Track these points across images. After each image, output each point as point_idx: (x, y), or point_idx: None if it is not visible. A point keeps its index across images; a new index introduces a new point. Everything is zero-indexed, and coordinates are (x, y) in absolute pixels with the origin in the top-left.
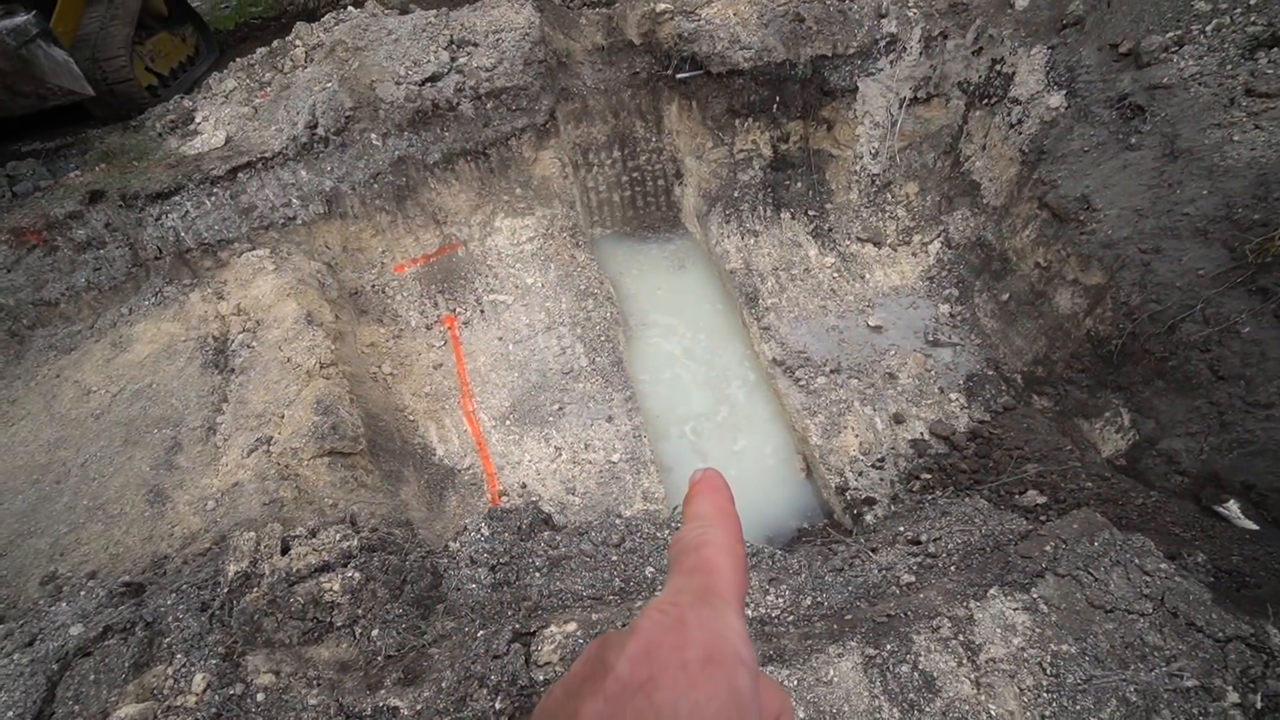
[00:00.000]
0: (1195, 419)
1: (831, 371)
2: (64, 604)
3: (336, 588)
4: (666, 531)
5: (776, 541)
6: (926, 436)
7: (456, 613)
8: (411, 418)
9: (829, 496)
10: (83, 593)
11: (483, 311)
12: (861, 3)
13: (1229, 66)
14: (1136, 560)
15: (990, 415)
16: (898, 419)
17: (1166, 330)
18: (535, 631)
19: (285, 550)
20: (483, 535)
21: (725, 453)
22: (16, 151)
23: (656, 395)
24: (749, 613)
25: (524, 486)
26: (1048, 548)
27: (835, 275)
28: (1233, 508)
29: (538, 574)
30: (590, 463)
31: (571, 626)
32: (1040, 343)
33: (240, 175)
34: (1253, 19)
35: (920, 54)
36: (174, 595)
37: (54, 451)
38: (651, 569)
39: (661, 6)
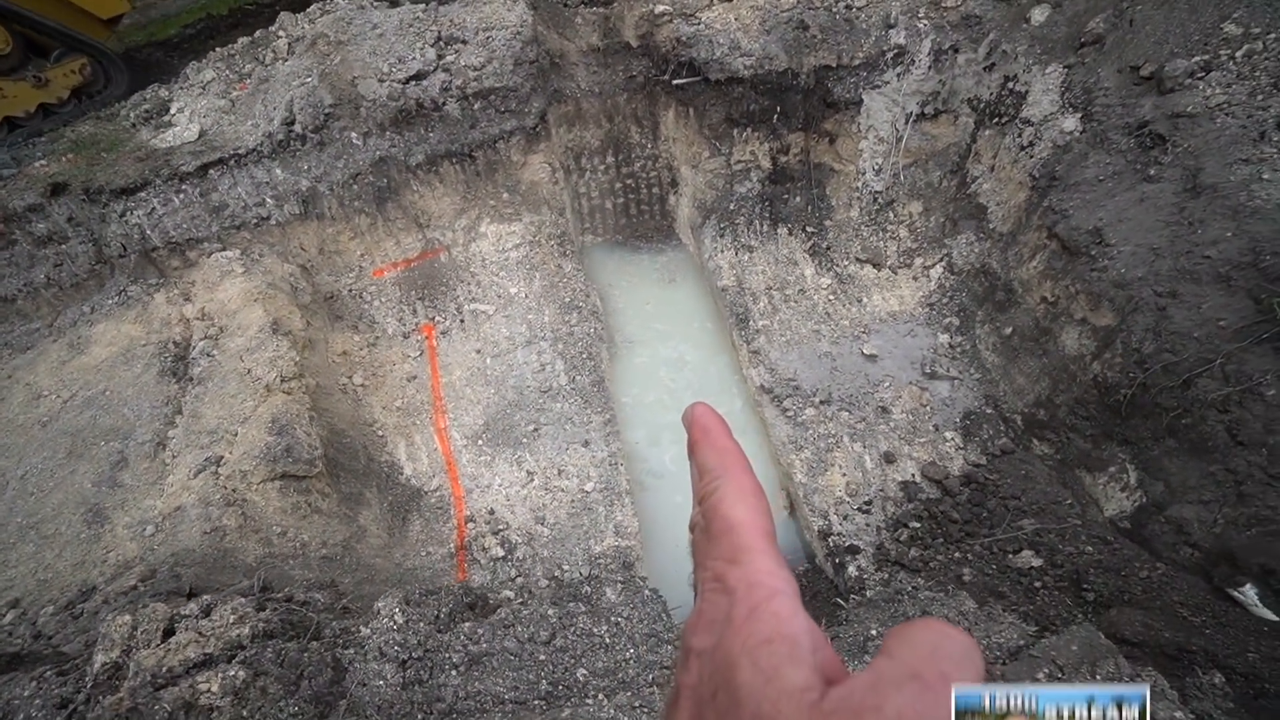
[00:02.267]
0: (1210, 486)
1: (821, 402)
2: None
3: (215, 689)
4: (607, 627)
5: None
6: (918, 479)
7: (360, 712)
8: (380, 433)
9: (811, 539)
10: None
11: (462, 321)
12: (869, 12)
13: (1260, 97)
14: None
15: (987, 459)
16: (888, 458)
17: (1181, 384)
18: None
19: (169, 634)
20: (395, 624)
21: None
22: None
23: (639, 418)
24: None
25: (492, 513)
26: (1040, 676)
27: (831, 298)
28: (1249, 593)
29: (454, 672)
30: (563, 490)
31: None
32: (1043, 383)
33: (212, 172)
34: None
35: (929, 68)
36: (34, 684)
37: None
38: (584, 671)
39: (661, 8)
